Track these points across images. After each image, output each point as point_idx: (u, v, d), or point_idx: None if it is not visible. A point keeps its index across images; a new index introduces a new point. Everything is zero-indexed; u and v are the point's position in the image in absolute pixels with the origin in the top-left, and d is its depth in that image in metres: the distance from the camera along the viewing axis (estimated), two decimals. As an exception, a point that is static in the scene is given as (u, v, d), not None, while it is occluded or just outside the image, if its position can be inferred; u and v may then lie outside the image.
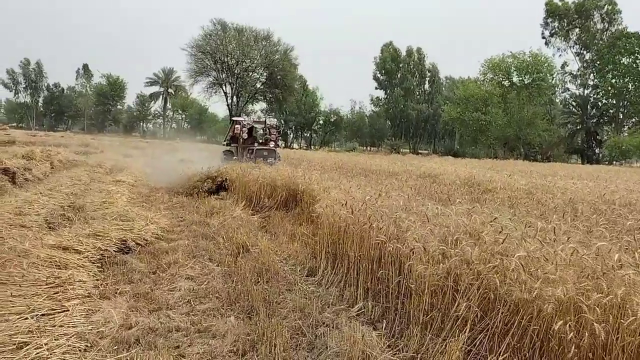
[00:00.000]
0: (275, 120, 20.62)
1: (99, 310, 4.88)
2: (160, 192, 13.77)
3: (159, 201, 12.58)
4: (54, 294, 4.92)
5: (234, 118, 20.82)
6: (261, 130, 19.68)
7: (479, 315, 4.00)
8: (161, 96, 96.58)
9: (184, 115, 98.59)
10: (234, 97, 53.99)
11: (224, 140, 20.39)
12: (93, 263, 6.24)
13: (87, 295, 5.16)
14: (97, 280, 5.75)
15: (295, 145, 79.79)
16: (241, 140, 18.34)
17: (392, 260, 4.96)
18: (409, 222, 5.21)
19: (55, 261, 5.75)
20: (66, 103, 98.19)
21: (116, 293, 5.46)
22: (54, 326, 4.30)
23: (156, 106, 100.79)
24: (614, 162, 57.61)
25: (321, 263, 6.53)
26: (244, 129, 18.41)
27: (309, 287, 6.07)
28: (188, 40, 52.97)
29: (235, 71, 52.50)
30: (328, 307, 5.34)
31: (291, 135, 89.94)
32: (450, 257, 4.31)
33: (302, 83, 73.10)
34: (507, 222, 4.92)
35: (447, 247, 4.44)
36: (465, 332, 3.96)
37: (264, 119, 19.55)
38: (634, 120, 63.06)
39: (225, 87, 53.91)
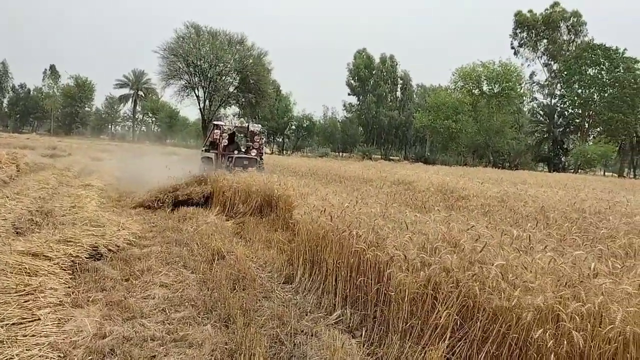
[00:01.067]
0: (260, 126, 18.47)
1: (71, 319, 4.74)
2: (131, 197, 13.51)
3: (130, 206, 12.37)
4: (25, 302, 4.76)
5: (214, 122, 18.67)
6: (243, 136, 18.34)
7: (458, 323, 4.04)
8: (131, 99, 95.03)
9: (154, 119, 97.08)
10: (207, 101, 53.48)
11: (203, 146, 18.67)
12: (64, 270, 6.07)
13: (59, 303, 5.01)
14: (69, 287, 5.60)
15: (267, 150, 79.56)
16: (221, 146, 16.74)
17: (371, 267, 4.96)
18: (388, 230, 5.24)
19: (25, 268, 5.56)
20: (32, 104, 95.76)
21: (89, 301, 5.32)
22: (26, 336, 4.16)
23: (125, 109, 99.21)
24: (579, 170, 59.10)
25: (298, 270, 6.50)
26: (224, 134, 16.81)
27: (287, 295, 6.04)
28: (160, 43, 51.99)
29: (208, 75, 51.97)
30: (306, 314, 5.31)
31: (264, 140, 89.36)
32: (429, 265, 4.34)
33: (275, 88, 72.94)
34: (483, 230, 5.00)
35: (427, 255, 4.47)
36: (444, 340, 3.99)
37: (246, 124, 17.68)
38: (598, 129, 64.79)
39: (198, 91, 53.33)
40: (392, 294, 4.47)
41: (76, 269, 6.33)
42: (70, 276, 6.01)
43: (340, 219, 5.83)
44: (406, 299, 4.34)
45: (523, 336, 3.57)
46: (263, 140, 17.64)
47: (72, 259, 6.51)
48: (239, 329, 4.69)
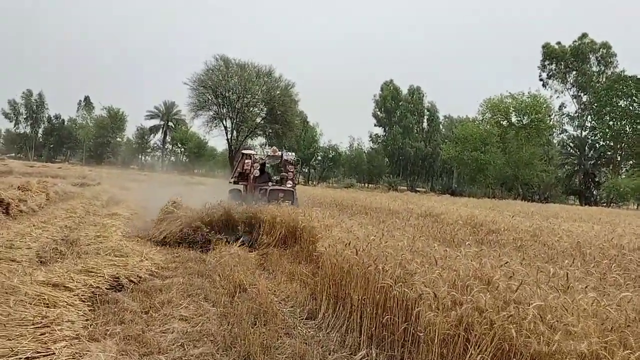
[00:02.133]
0: (294, 154, 16.34)
1: (86, 353, 4.59)
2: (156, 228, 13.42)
3: (155, 239, 12.31)
4: (40, 335, 4.64)
5: (244, 151, 16.83)
6: (274, 166, 16.67)
7: (493, 369, 3.74)
8: (161, 129, 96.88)
9: (182, 149, 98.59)
10: (234, 131, 54.15)
11: (231, 177, 16.97)
12: (83, 301, 5.96)
13: (76, 336, 4.87)
14: (87, 320, 5.47)
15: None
16: (252, 177, 15.25)
17: (399, 305, 4.71)
18: (416, 265, 4.99)
19: (44, 299, 5.48)
20: (66, 134, 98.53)
21: (106, 334, 5.17)
22: (38, 372, 4.02)
23: (155, 139, 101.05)
24: (612, 204, 57.52)
25: (322, 305, 6.26)
26: (255, 164, 15.22)
27: (309, 332, 5.80)
28: (190, 75, 53.08)
29: (236, 106, 52.76)
30: (329, 354, 5.06)
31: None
32: (461, 304, 4.07)
33: (302, 119, 73.56)
34: (517, 267, 4.72)
35: (458, 293, 4.21)
36: (478, 386, 3.69)
37: (279, 153, 15.81)
38: (631, 162, 63.23)
39: (226, 122, 54.08)
40: (422, 334, 4.20)
41: (96, 300, 6.22)
42: (89, 308, 5.90)
43: (366, 253, 5.61)
44: (436, 340, 4.07)
45: (566, 385, 3.26)
46: (297, 170, 15.99)
47: (93, 289, 6.42)
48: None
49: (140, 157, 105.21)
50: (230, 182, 16.55)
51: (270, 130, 55.59)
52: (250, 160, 15.24)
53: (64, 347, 4.53)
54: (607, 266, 5.84)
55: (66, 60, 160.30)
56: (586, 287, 4.03)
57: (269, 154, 15.71)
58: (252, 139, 59.93)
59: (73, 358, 4.41)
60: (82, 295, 6.07)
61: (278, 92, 53.89)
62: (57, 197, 18.43)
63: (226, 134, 54.35)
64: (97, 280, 6.71)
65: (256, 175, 15.07)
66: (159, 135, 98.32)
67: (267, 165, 16.22)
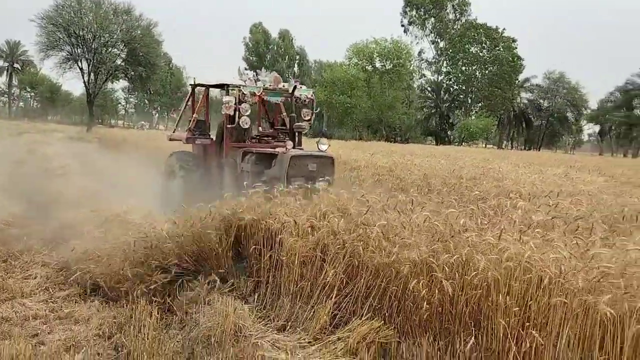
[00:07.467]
0: (311, 90, 9.04)
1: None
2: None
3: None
4: None
5: (206, 83, 9.19)
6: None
7: (344, 282, 4.28)
8: (5, 72, 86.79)
9: (32, 93, 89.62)
10: (92, 74, 50.11)
11: (175, 130, 10.23)
12: None
13: None
14: (-64, 271, 5.17)
15: (161, 127, 76.73)
16: (230, 129, 8.00)
17: (264, 235, 5.06)
18: (279, 201, 5.34)
19: None
20: None
21: (-40, 284, 4.96)
22: None
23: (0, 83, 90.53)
24: (463, 143, 63.15)
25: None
26: (244, 105, 7.79)
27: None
28: (37, 11, 47.70)
29: (93, 46, 48.65)
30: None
31: (156, 116, 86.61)
32: (318, 230, 4.54)
33: (167, 61, 70.07)
34: (373, 197, 5.27)
35: (317, 220, 4.67)
36: (331, 298, 4.22)
37: (284, 85, 8.63)
38: (480, 104, 69.39)
39: (81, 63, 49.74)
40: (284, 258, 4.60)
41: (-56, 252, 5.85)
42: (-63, 260, 5.55)
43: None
44: (296, 262, 4.50)
45: (401, 288, 3.87)
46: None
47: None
48: (128, 303, 4.62)
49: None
50: (171, 139, 9.57)
51: (133, 73, 52.34)
52: (232, 99, 7.71)
53: None
54: (447, 192, 6.71)
55: None
56: (422, 208, 4.66)
57: (267, 84, 8.38)
58: (112, 82, 56.21)
59: None
60: None
61: (139, 31, 50.49)
62: None
63: (82, 76, 50.16)
64: (-56, 232, 6.26)
65: (245, 126, 7.96)
66: (4, 78, 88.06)
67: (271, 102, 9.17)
